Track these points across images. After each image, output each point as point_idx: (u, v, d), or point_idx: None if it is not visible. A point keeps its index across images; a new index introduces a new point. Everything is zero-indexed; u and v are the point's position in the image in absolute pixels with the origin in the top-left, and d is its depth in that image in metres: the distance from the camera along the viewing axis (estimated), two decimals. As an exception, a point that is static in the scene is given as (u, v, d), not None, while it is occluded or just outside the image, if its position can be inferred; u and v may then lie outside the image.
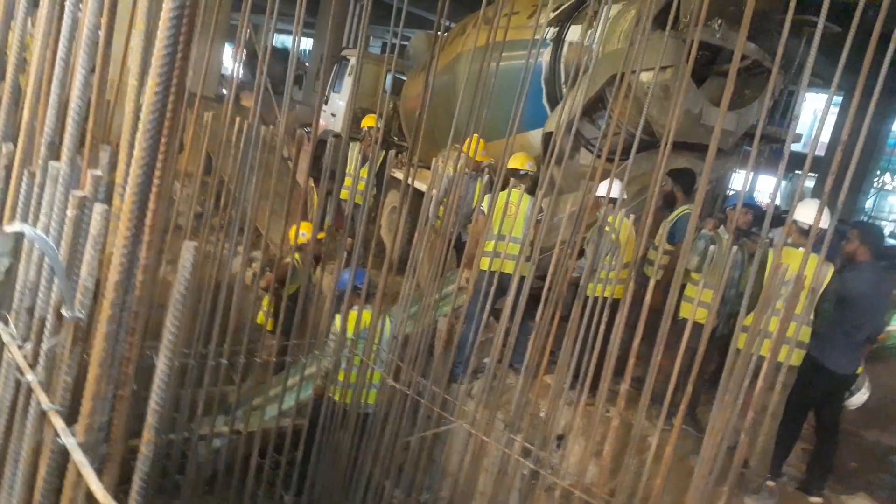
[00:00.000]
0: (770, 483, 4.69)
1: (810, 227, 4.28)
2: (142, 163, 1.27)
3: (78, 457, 1.37)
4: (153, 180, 1.30)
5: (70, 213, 1.45)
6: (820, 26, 2.95)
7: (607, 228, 4.53)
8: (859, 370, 4.67)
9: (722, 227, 5.12)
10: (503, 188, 4.69)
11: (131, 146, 1.34)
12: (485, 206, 5.10)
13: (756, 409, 3.12)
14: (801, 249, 4.33)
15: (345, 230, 5.13)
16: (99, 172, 1.46)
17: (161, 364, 1.41)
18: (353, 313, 5.00)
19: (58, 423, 1.45)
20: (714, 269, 4.75)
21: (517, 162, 5.77)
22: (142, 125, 1.25)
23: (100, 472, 1.62)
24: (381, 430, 4.80)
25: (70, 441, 1.40)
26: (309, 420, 5.19)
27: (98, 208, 1.36)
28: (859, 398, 4.67)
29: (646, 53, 4.76)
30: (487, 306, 4.40)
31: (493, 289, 4.48)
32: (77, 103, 1.52)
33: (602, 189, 4.89)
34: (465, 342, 5.00)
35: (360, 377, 4.98)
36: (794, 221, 4.26)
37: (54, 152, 1.65)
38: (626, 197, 5.42)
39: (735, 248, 4.66)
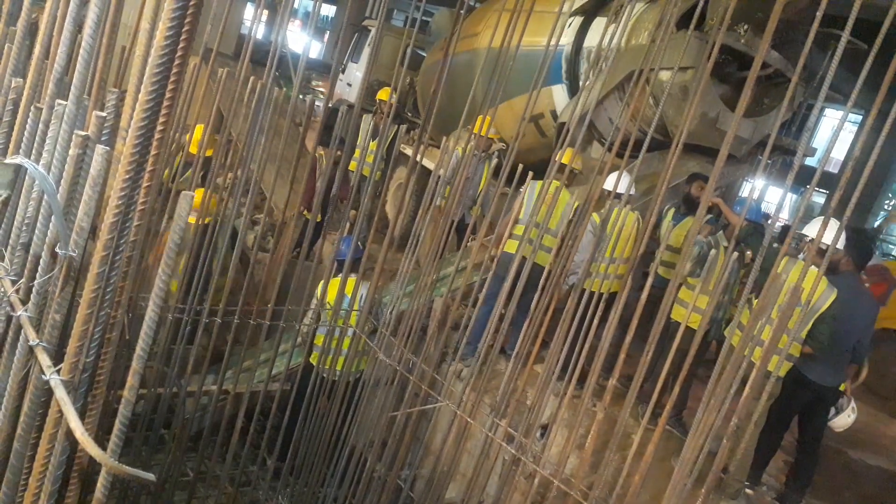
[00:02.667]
0: (749, 491, 4.72)
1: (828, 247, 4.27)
2: (146, 107, 1.26)
3: (60, 394, 1.38)
4: (157, 125, 1.30)
5: (72, 152, 1.45)
6: (843, 41, 2.91)
7: (606, 221, 4.51)
8: (842, 387, 4.66)
9: (721, 232, 5.10)
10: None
11: (138, 90, 1.34)
12: (525, 194, 5.02)
13: (740, 416, 3.13)
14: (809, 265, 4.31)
15: (349, 201, 5.13)
16: (103, 114, 1.46)
17: (150, 311, 1.41)
18: (335, 280, 5.02)
19: (44, 359, 1.46)
20: (709, 275, 4.75)
21: (565, 157, 5.66)
22: (149, 69, 1.25)
23: (83, 413, 1.63)
24: (367, 403, 4.83)
25: (54, 378, 1.41)
26: (297, 386, 5.23)
27: (99, 149, 1.36)
28: (844, 420, 4.65)
29: (668, 52, 4.71)
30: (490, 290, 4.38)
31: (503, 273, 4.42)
32: (88, 42, 1.51)
33: (609, 182, 4.85)
34: (480, 320, 4.85)
35: (339, 344, 5.00)
36: (811, 240, 4.25)
37: (63, 90, 1.65)
38: (633, 193, 5.38)
39: (736, 254, 4.65)
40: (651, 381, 4.27)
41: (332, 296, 5.04)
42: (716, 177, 3.21)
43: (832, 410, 4.63)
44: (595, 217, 4.92)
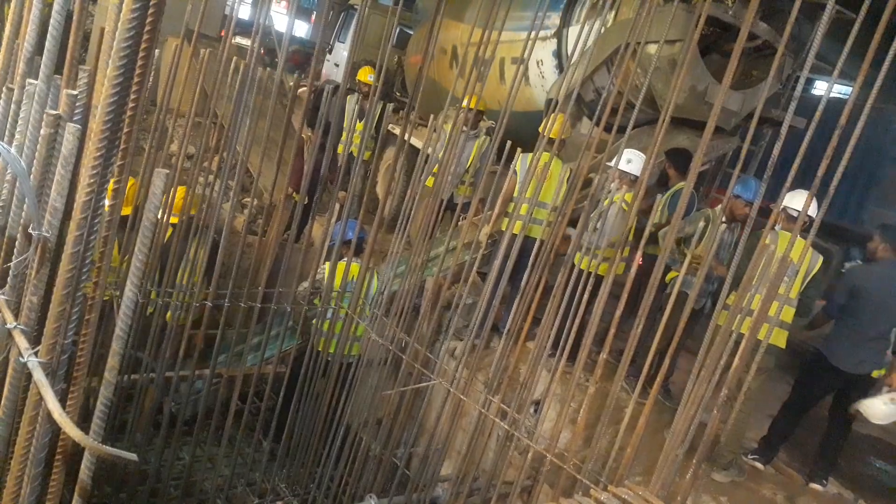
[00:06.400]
0: (759, 465, 4.70)
1: (798, 213, 4.26)
2: (115, 82, 1.24)
3: (38, 375, 1.37)
4: (128, 101, 1.27)
5: (43, 131, 1.42)
6: (828, 10, 2.88)
7: (606, 202, 4.49)
8: (875, 373, 4.46)
9: (718, 206, 5.09)
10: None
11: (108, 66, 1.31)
12: (517, 167, 4.97)
13: (730, 387, 3.14)
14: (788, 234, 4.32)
15: (337, 182, 5.09)
16: (74, 92, 1.43)
17: (127, 291, 1.40)
18: (342, 265, 4.99)
19: (21, 341, 1.44)
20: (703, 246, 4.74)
21: (555, 127, 5.59)
22: (117, 43, 1.22)
23: (64, 396, 1.62)
24: (361, 382, 4.84)
25: (32, 360, 1.40)
26: (290, 368, 5.23)
27: (70, 128, 1.33)
28: (878, 408, 4.18)
29: (655, 25, 4.67)
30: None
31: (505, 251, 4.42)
32: (56, 19, 1.48)
33: (623, 164, 4.82)
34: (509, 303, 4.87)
35: (344, 329, 5.01)
36: (784, 208, 4.26)
37: (34, 70, 1.62)
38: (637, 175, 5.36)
39: (724, 226, 4.64)
40: (641, 355, 4.29)
41: (338, 281, 5.00)
42: (703, 150, 3.19)
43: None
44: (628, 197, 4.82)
